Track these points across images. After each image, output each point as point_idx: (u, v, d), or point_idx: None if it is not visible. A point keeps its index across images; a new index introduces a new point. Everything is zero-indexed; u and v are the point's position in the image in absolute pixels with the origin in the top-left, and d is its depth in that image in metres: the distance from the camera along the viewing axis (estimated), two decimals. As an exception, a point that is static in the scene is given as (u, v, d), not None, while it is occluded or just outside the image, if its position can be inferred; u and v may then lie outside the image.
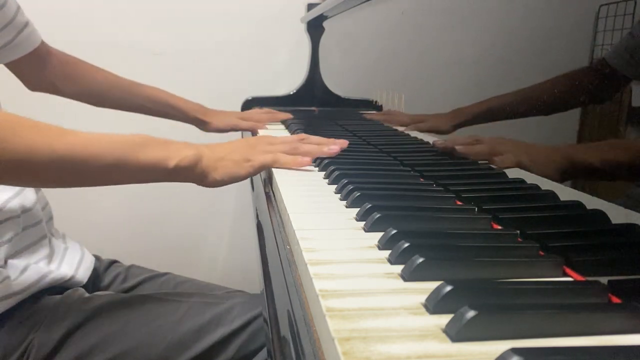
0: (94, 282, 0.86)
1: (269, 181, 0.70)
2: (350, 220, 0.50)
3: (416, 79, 0.86)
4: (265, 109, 1.26)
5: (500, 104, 0.58)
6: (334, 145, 0.72)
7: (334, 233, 0.46)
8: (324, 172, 0.67)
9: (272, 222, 0.56)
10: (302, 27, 1.44)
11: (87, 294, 0.76)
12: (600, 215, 0.42)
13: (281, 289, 0.42)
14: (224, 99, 1.27)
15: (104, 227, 1.56)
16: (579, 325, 0.31)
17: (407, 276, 0.37)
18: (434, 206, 0.53)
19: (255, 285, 0.54)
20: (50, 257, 0.77)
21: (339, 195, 0.58)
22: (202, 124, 1.10)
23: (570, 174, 0.47)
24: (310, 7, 1.41)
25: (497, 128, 0.60)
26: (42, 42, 0.92)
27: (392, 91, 0.94)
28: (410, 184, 0.63)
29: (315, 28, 1.41)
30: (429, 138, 0.77)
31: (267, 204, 0.63)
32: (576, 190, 0.46)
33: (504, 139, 0.58)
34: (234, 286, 0.91)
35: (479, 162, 0.62)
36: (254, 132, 1.09)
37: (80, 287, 0.78)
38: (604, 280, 0.36)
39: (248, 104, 1.40)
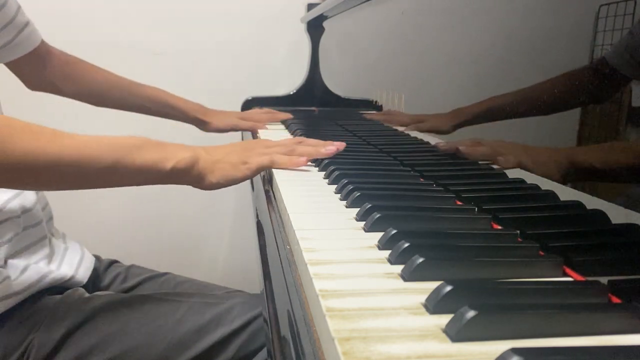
0: (94, 282, 0.86)
1: (269, 181, 0.70)
2: (350, 220, 0.50)
3: (416, 79, 0.86)
4: (265, 109, 1.26)
5: (500, 104, 0.58)
6: (330, 146, 0.72)
7: (334, 233, 0.46)
8: (324, 172, 0.67)
9: (272, 222, 0.56)
10: (302, 27, 1.44)
11: (87, 294, 0.76)
12: (600, 215, 0.42)
13: (281, 289, 0.42)
14: (224, 99, 1.27)
15: (104, 227, 1.56)
16: (579, 325, 0.31)
17: (407, 276, 0.37)
18: (434, 206, 0.53)
19: (255, 285, 0.54)
20: (50, 257, 0.77)
21: (339, 195, 0.58)
22: (202, 124, 1.10)
23: (573, 176, 0.47)
24: (310, 7, 1.41)
25: (497, 128, 0.60)
26: (43, 42, 0.92)
27: (392, 91, 0.94)
28: (410, 184, 0.63)
29: (315, 28, 1.41)
30: (429, 138, 0.77)
31: (267, 204, 0.62)
32: (576, 190, 0.46)
33: (505, 142, 0.58)
34: (234, 286, 0.91)
35: (479, 162, 0.62)
36: (254, 132, 1.09)
37: (80, 287, 0.79)
38: (604, 280, 0.36)
39: (248, 104, 1.40)
